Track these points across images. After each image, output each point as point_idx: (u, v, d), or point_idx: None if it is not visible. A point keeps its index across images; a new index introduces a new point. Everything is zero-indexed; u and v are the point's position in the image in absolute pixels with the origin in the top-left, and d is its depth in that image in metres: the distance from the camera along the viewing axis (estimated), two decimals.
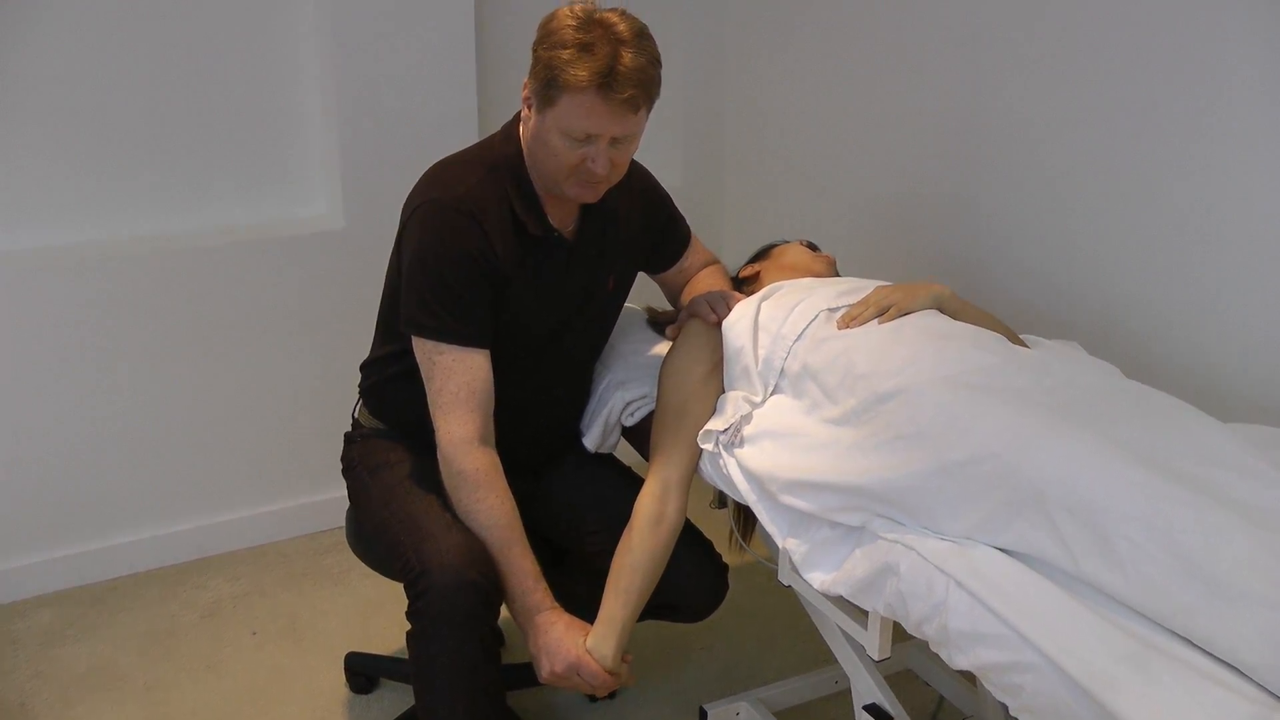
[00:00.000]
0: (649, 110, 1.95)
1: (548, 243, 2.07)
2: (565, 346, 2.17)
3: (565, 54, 1.84)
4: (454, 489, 1.99)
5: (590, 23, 1.87)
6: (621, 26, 1.88)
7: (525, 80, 1.95)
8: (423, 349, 2.01)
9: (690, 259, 2.36)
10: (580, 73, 1.83)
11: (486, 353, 2.01)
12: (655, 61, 1.91)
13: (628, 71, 1.85)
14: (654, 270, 2.37)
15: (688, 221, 2.38)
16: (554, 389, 2.21)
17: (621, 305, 2.28)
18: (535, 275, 2.06)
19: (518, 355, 2.10)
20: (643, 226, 2.24)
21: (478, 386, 1.99)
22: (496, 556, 1.96)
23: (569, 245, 2.10)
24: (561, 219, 2.09)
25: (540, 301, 2.09)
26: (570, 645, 1.95)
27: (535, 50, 1.91)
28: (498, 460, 2.01)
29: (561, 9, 1.91)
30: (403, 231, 2.07)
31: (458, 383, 1.98)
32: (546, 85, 1.88)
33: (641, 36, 1.90)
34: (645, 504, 2.03)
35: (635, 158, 2.18)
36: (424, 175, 2.08)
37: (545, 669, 1.97)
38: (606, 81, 1.84)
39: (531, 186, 2.04)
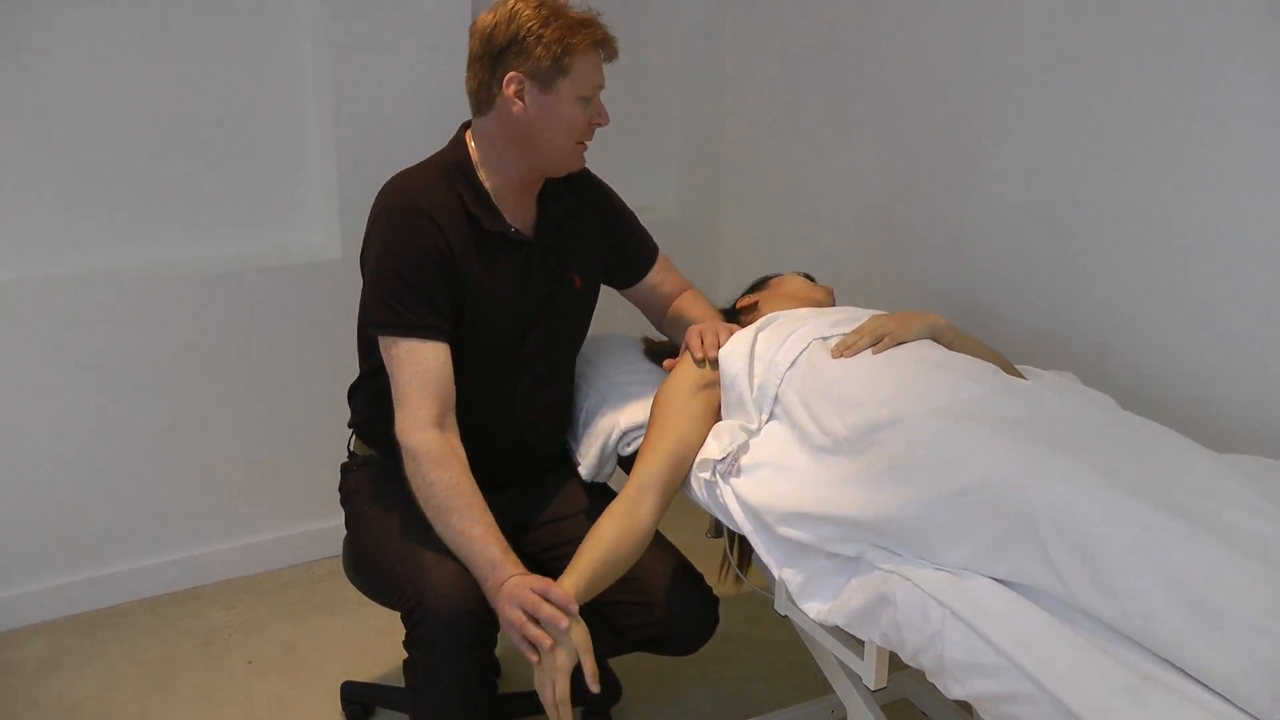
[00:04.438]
0: None
1: (506, 240, 2.12)
2: (538, 346, 2.20)
3: (560, 25, 2.00)
4: (412, 474, 1.98)
5: (544, 3, 2.02)
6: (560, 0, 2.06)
7: (510, 75, 2.01)
8: (383, 347, 2.05)
9: (662, 277, 2.40)
10: (587, 32, 2.02)
11: (443, 345, 2.03)
12: None
13: (601, 23, 2.06)
14: (623, 283, 2.40)
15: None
16: (531, 394, 2.22)
17: (591, 308, 2.31)
18: (496, 272, 2.11)
19: (491, 358, 2.14)
20: (604, 229, 2.30)
21: (431, 375, 2.00)
22: (458, 530, 1.92)
23: (529, 242, 2.16)
24: (519, 218, 2.15)
25: (506, 299, 2.13)
26: (529, 579, 1.88)
27: (524, 40, 2.00)
28: (459, 446, 2.00)
29: (509, 6, 2.02)
30: (365, 244, 2.13)
31: (410, 372, 2.00)
32: (558, 59, 2.00)
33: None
34: (617, 502, 2.03)
35: (625, 185, 2.34)
36: (380, 190, 2.13)
37: (505, 607, 1.86)
38: (603, 36, 2.05)
39: (483, 187, 2.12)
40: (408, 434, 1.99)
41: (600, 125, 2.11)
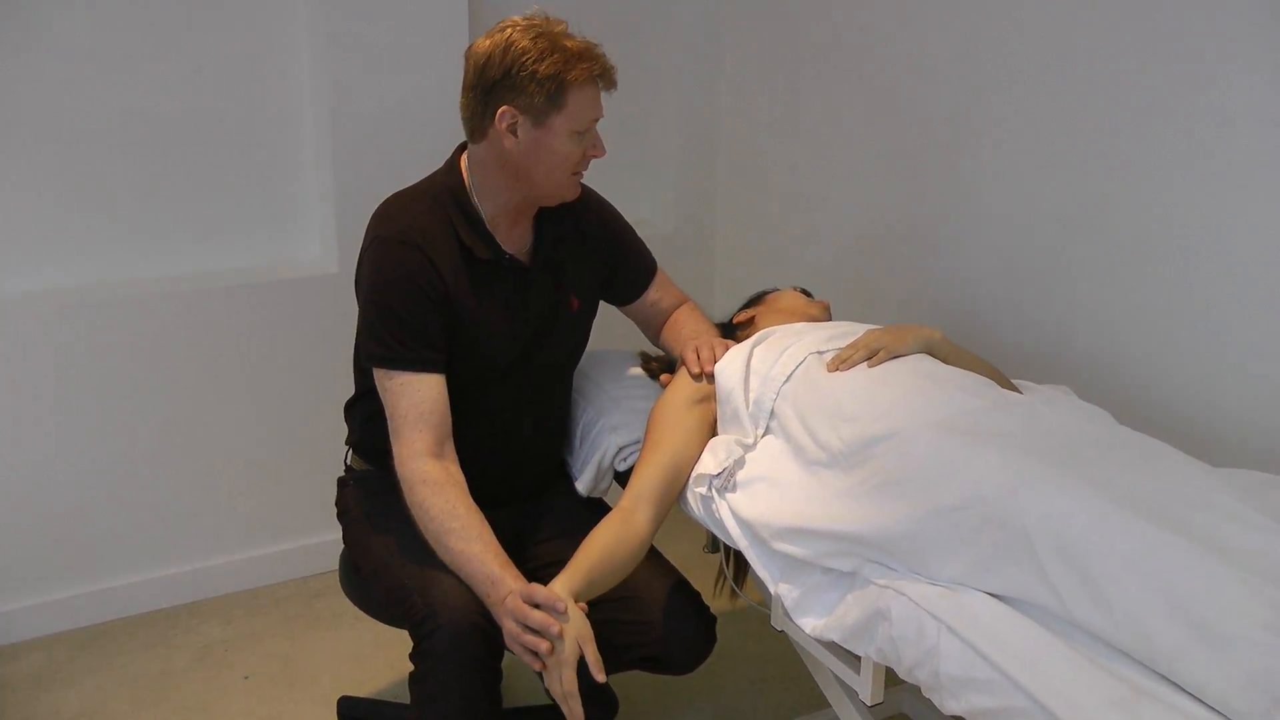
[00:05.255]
0: None
1: (500, 266, 2.12)
2: (535, 369, 2.20)
3: (556, 58, 1.97)
4: (412, 503, 1.99)
5: (542, 34, 1.99)
6: (558, 27, 2.01)
7: (503, 110, 2.00)
8: (378, 379, 2.06)
9: (660, 294, 2.40)
10: (584, 65, 1.98)
11: (437, 376, 2.04)
12: None
13: (601, 55, 2.02)
14: (621, 300, 2.40)
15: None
16: (529, 415, 2.23)
17: (588, 327, 2.31)
18: (491, 299, 2.11)
19: (487, 381, 2.14)
20: (603, 248, 2.29)
21: (426, 407, 2.01)
22: (457, 551, 1.93)
23: (524, 267, 2.15)
24: (514, 242, 2.15)
25: (502, 325, 2.12)
26: (522, 588, 1.87)
27: (518, 74, 1.97)
28: (457, 473, 2.01)
29: (507, 32, 1.99)
30: (357, 272, 2.14)
31: (407, 404, 2.01)
32: (553, 94, 1.98)
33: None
34: (613, 513, 2.03)
35: (621, 198, 2.33)
36: (372, 214, 2.14)
37: (503, 620, 1.87)
38: (601, 69, 2.01)
39: (476, 213, 2.10)
40: (405, 465, 2.00)
41: (595, 157, 2.10)
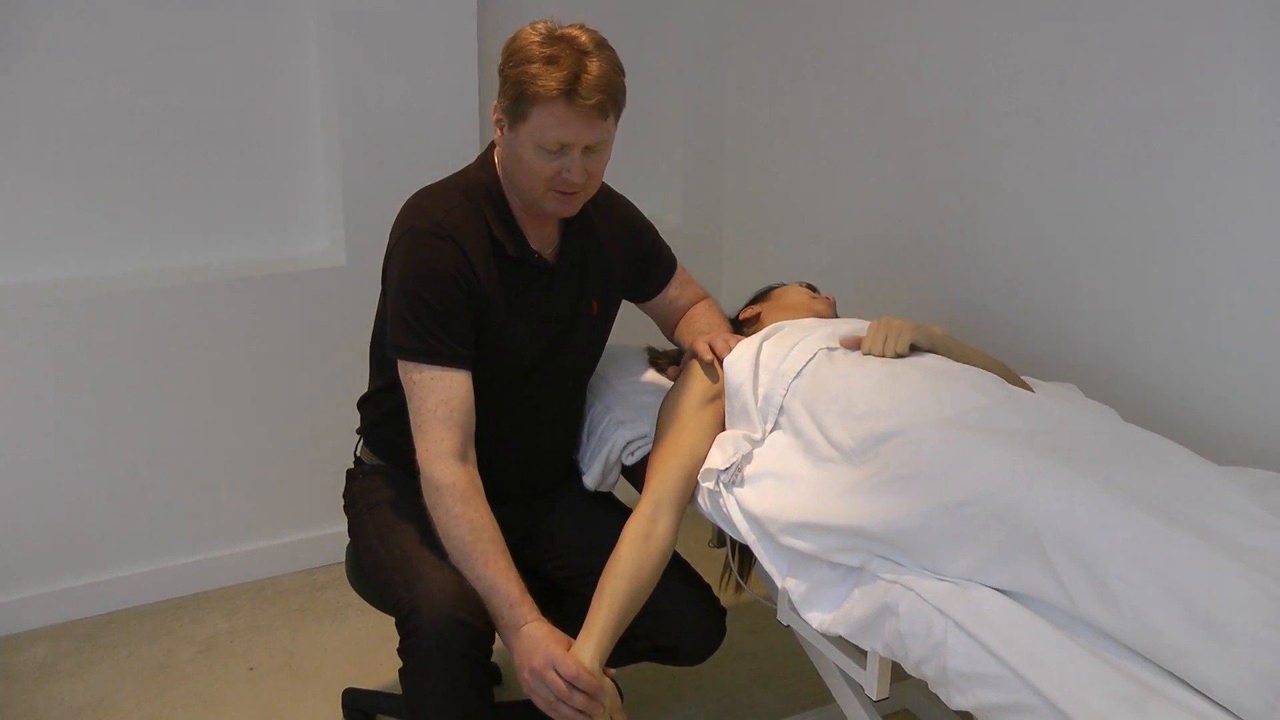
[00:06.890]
0: (617, 118, 2.00)
1: (528, 264, 2.10)
2: (555, 369, 2.19)
3: (532, 68, 1.90)
4: (434, 505, 1.98)
5: (554, 38, 1.93)
6: (584, 38, 1.95)
7: (495, 103, 2.00)
8: (404, 371, 2.03)
9: (679, 291, 2.39)
10: (549, 83, 1.89)
11: (466, 373, 2.02)
12: (619, 69, 1.98)
13: (593, 79, 1.91)
14: (640, 298, 2.39)
15: (688, 263, 2.40)
16: (545, 414, 2.23)
17: (608, 330, 2.30)
18: (518, 297, 2.09)
19: (507, 379, 2.13)
20: (625, 250, 2.27)
21: (455, 404, 1.99)
22: (479, 570, 1.94)
23: (550, 267, 2.13)
24: (541, 241, 2.13)
25: (525, 324, 2.11)
26: (549, 644, 1.89)
27: (502, 71, 1.96)
28: (478, 479, 2.01)
29: (525, 29, 1.97)
30: (387, 263, 2.12)
31: (435, 400, 1.99)
32: (516, 101, 1.93)
33: (602, 46, 1.96)
34: (634, 523, 2.04)
35: (628, 194, 2.29)
36: (404, 206, 2.11)
37: (524, 671, 1.90)
38: (573, 89, 1.89)
39: (509, 209, 2.08)
40: (431, 464, 1.98)
41: (569, 180, 1.97)
